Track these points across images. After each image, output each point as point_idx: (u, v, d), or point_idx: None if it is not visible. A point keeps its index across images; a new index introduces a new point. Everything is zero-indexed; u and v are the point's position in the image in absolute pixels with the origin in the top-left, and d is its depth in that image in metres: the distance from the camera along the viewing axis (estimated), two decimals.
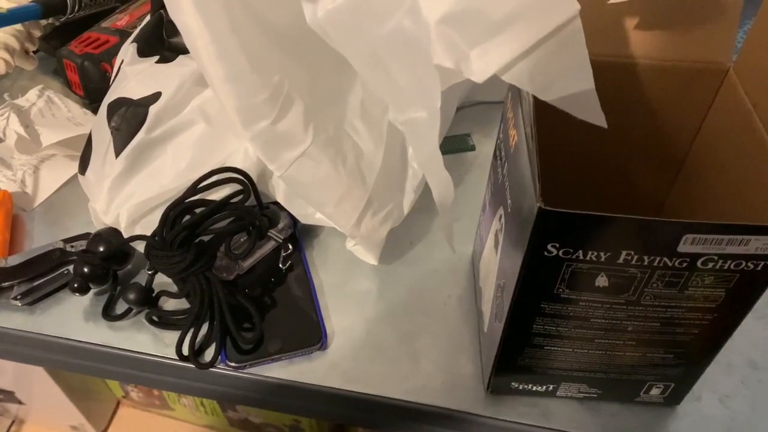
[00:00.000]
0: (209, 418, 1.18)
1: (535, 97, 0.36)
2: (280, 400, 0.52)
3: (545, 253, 0.37)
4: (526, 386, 0.48)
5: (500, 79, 0.48)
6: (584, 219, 0.35)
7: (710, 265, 0.36)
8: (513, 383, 0.48)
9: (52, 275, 0.54)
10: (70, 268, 0.54)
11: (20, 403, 1.16)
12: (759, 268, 0.36)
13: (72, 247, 0.56)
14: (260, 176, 0.55)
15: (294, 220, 0.57)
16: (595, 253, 0.36)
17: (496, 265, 0.45)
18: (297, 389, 0.50)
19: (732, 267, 0.36)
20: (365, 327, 0.53)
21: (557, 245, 0.36)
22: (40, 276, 0.54)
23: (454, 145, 0.68)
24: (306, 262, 0.57)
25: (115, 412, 1.24)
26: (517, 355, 0.45)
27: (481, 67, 0.35)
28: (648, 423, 0.48)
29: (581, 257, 0.37)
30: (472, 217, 0.59)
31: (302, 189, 0.50)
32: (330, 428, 1.05)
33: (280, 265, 0.55)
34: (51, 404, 1.12)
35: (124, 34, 0.68)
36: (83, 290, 0.52)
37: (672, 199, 0.52)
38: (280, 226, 0.56)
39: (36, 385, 1.09)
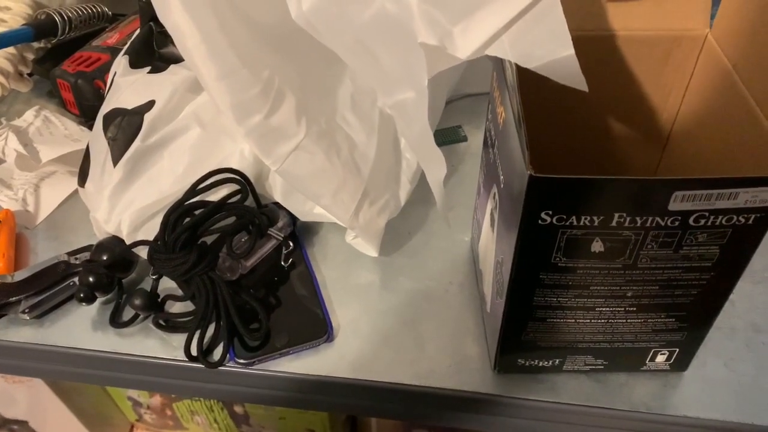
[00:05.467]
0: None
1: (518, 68, 0.36)
2: (290, 395, 0.52)
3: (539, 222, 0.37)
4: (532, 362, 0.48)
5: (488, 70, 0.49)
6: (574, 183, 0.35)
7: (702, 222, 0.37)
8: (519, 360, 0.48)
9: (59, 287, 0.55)
10: (76, 279, 0.55)
11: None
12: (750, 221, 0.37)
13: (76, 259, 0.57)
14: (257, 177, 0.56)
15: (293, 218, 0.58)
16: (588, 218, 0.37)
17: (494, 243, 0.46)
18: (306, 382, 0.51)
19: (724, 222, 0.37)
20: (370, 318, 0.54)
21: (550, 212, 0.37)
22: (47, 289, 0.55)
23: (446, 137, 0.68)
24: (307, 259, 0.57)
25: None
26: (521, 330, 0.45)
27: (464, 42, 0.36)
28: (656, 391, 0.48)
29: (575, 223, 0.37)
30: (468, 206, 0.60)
31: (298, 182, 0.51)
32: None
33: (282, 263, 0.56)
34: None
35: (115, 52, 0.69)
36: (89, 300, 0.53)
37: (663, 167, 0.53)
38: (280, 224, 0.56)
39: (49, 413, 1.09)
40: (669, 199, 0.36)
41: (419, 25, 0.36)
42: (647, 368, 0.49)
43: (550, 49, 0.34)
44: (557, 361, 0.48)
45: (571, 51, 0.33)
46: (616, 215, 0.37)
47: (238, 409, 1.03)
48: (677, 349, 0.47)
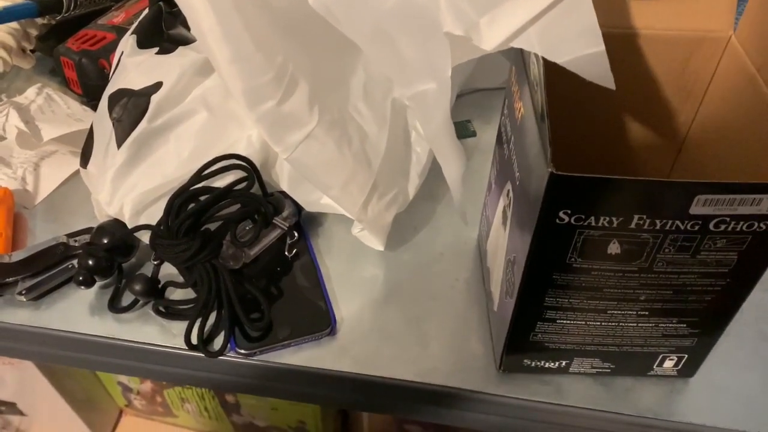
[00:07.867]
0: (213, 423, 1.17)
1: (545, 62, 0.35)
2: (290, 387, 0.52)
3: (557, 221, 0.37)
4: (538, 363, 0.48)
5: (498, 65, 0.48)
6: (597, 183, 0.34)
7: (722, 227, 0.36)
8: (525, 360, 0.47)
9: (57, 270, 0.54)
10: (75, 262, 0.54)
11: (22, 414, 1.15)
12: None
13: (76, 241, 0.55)
14: (263, 165, 0.55)
15: (299, 208, 0.57)
16: (608, 219, 0.36)
17: (506, 241, 0.45)
18: (307, 374, 0.50)
19: (744, 228, 0.37)
20: (373, 312, 0.53)
21: (569, 212, 0.36)
22: (45, 271, 0.54)
23: (455, 131, 0.67)
24: (312, 250, 0.57)
25: (118, 421, 1.23)
26: (530, 330, 0.45)
27: (490, 34, 0.35)
28: (662, 396, 0.48)
29: (593, 223, 0.37)
30: (476, 202, 0.59)
31: (308, 172, 0.50)
32: (335, 428, 1.04)
33: (286, 253, 0.55)
34: (53, 415, 1.11)
35: (120, 31, 0.67)
36: (88, 283, 0.52)
37: (676, 170, 0.52)
38: (285, 213, 0.55)
39: (38, 396, 1.08)
40: (691, 202, 0.35)
41: (445, 14, 0.35)
42: (654, 373, 0.48)
43: (580, 45, 0.33)
44: (564, 362, 0.47)
45: (602, 47, 0.33)
46: (636, 217, 0.36)
47: (229, 398, 1.03)
48: (686, 355, 0.46)
